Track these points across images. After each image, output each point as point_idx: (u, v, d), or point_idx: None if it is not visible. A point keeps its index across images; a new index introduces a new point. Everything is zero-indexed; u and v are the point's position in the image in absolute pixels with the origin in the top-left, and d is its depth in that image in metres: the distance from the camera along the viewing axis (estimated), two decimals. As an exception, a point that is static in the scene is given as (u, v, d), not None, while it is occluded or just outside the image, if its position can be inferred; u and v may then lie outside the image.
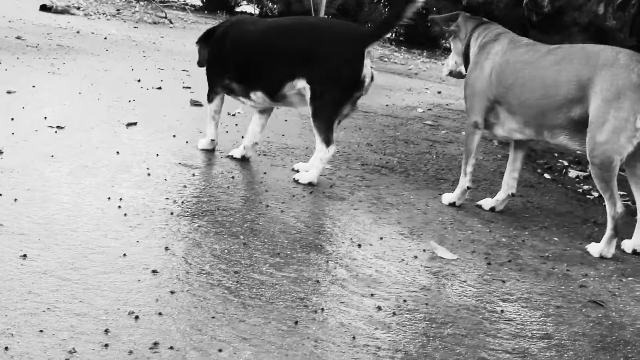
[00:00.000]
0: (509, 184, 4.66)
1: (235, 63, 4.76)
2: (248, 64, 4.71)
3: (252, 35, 4.73)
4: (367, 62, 4.46)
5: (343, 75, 4.43)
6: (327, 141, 4.49)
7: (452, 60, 4.89)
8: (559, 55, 4.17)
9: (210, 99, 4.94)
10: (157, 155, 4.55)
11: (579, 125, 4.08)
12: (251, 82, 4.72)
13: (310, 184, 4.53)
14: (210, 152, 4.88)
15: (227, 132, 5.50)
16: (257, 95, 4.72)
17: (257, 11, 17.08)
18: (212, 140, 4.96)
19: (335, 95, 4.45)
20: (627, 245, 4.27)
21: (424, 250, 3.74)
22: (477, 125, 4.50)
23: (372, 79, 4.52)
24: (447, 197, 4.65)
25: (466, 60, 4.68)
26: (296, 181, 4.52)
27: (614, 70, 3.93)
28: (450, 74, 4.92)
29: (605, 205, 4.08)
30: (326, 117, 4.48)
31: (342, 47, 4.44)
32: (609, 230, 4.07)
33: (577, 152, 6.83)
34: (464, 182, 4.59)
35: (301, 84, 4.51)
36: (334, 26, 4.66)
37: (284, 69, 4.55)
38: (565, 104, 4.08)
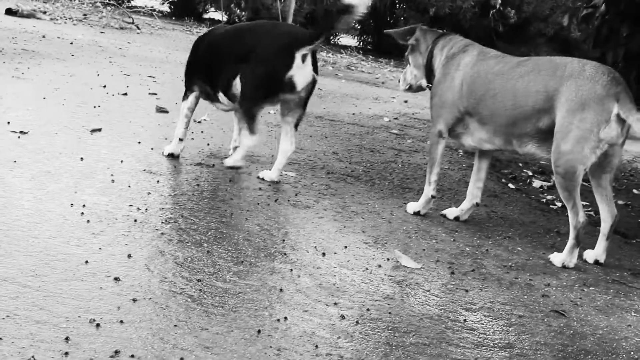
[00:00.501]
0: (473, 193, 4.68)
1: (205, 65, 4.93)
2: (211, 66, 4.88)
3: (215, 39, 4.97)
4: (300, 63, 4.57)
5: (264, 73, 4.58)
6: (250, 130, 4.66)
7: (411, 75, 4.90)
8: (528, 67, 4.22)
9: (184, 98, 5.06)
10: (122, 161, 4.53)
11: (547, 134, 4.12)
12: (215, 83, 4.89)
13: (233, 167, 4.80)
14: (175, 158, 4.86)
15: (192, 139, 5.48)
16: (221, 97, 4.88)
17: (225, 18, 17.05)
18: (180, 140, 4.96)
19: (255, 92, 4.62)
20: (589, 255, 4.31)
21: (388, 259, 3.75)
22: (441, 135, 4.54)
23: (312, 82, 4.68)
24: (412, 206, 4.67)
25: (428, 73, 4.70)
26: (227, 167, 4.80)
27: (579, 82, 3.98)
28: (410, 88, 4.90)
29: (568, 215, 4.12)
30: (246, 109, 4.67)
31: (270, 47, 4.60)
32: (571, 240, 4.11)
33: (542, 162, 6.89)
34: (429, 190, 4.62)
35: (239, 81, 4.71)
36: (270, 28, 4.85)
37: (231, 69, 4.71)
38: (534, 114, 4.13)
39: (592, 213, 5.28)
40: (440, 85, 4.55)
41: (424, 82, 4.79)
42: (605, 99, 3.93)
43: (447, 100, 4.48)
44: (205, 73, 4.91)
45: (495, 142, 4.38)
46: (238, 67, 4.67)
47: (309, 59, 4.60)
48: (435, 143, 4.58)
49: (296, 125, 4.84)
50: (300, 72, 4.58)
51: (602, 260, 4.29)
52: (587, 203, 5.09)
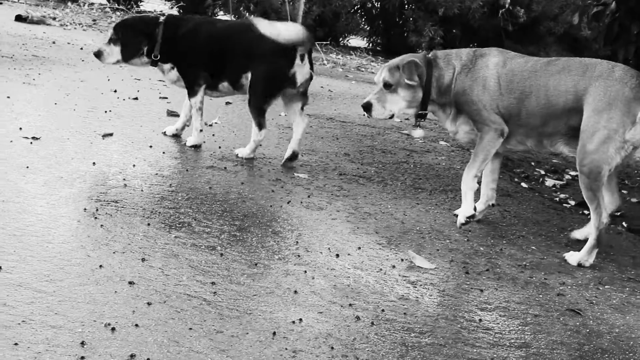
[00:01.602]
0: (488, 195, 4.65)
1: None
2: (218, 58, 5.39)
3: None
4: (299, 62, 5.09)
5: (273, 70, 5.11)
6: (259, 125, 5.17)
7: (397, 106, 4.47)
8: (559, 66, 4.21)
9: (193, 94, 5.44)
10: (134, 166, 4.53)
11: (577, 132, 4.12)
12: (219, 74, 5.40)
13: (246, 159, 5.22)
14: (187, 161, 4.86)
15: (204, 142, 5.48)
16: (222, 86, 5.38)
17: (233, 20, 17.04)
18: (201, 131, 5.42)
19: (265, 87, 5.15)
20: (577, 234, 4.52)
21: (402, 260, 3.74)
22: (502, 133, 4.34)
23: (310, 77, 5.25)
24: (462, 215, 4.42)
25: (426, 100, 4.47)
26: (237, 156, 5.25)
27: (609, 82, 3.99)
28: (391, 117, 4.55)
29: (582, 214, 4.10)
30: (257, 104, 5.15)
31: (276, 45, 5.02)
32: (591, 240, 4.09)
33: (554, 160, 6.86)
34: (474, 185, 4.40)
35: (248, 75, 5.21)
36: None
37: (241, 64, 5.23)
38: (564, 113, 4.13)
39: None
40: (473, 91, 4.36)
41: (411, 112, 4.55)
42: (633, 102, 3.94)
43: (487, 103, 4.34)
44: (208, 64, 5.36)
45: (527, 143, 4.36)
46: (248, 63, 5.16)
47: (305, 57, 5.12)
48: (494, 142, 4.35)
49: (302, 107, 5.39)
50: (299, 69, 5.12)
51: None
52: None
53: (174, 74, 5.42)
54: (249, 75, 5.17)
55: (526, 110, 4.26)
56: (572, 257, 4.13)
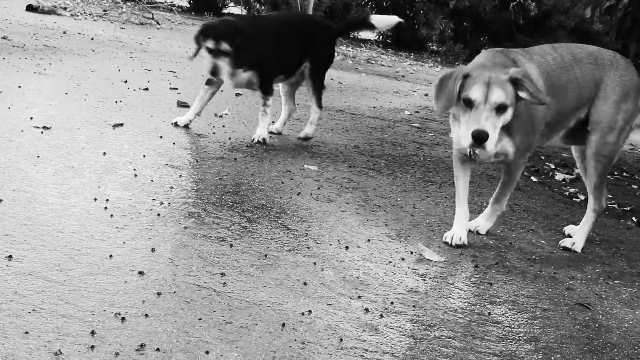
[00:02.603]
0: None
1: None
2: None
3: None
4: None
5: (332, 55, 5.93)
6: (321, 106, 5.82)
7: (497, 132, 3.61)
8: (567, 56, 4.08)
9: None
10: (144, 156, 4.54)
11: (581, 123, 4.11)
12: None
13: (306, 137, 5.83)
14: (197, 152, 4.86)
15: (214, 133, 5.48)
16: (279, 78, 5.71)
17: (244, 13, 17.03)
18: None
19: (326, 70, 5.87)
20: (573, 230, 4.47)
21: (412, 253, 3.74)
22: (527, 159, 4.11)
23: None
24: (483, 226, 4.29)
25: None
26: (302, 139, 5.81)
27: (621, 72, 4.04)
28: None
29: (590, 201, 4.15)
30: (322, 86, 5.83)
31: (330, 35, 5.86)
32: (587, 226, 4.19)
33: (564, 154, 6.84)
34: (503, 208, 4.22)
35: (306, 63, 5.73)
36: (318, 17, 6.44)
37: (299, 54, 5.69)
38: (587, 101, 4.09)
39: (615, 206, 5.25)
40: (527, 110, 3.84)
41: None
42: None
43: (539, 120, 3.95)
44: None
45: (541, 142, 4.20)
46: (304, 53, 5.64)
47: None
48: (522, 168, 4.10)
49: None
50: None
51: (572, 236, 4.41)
52: (611, 196, 5.05)
53: (245, 75, 5.31)
54: (307, 64, 5.67)
55: (562, 107, 4.03)
56: (567, 241, 4.21)
